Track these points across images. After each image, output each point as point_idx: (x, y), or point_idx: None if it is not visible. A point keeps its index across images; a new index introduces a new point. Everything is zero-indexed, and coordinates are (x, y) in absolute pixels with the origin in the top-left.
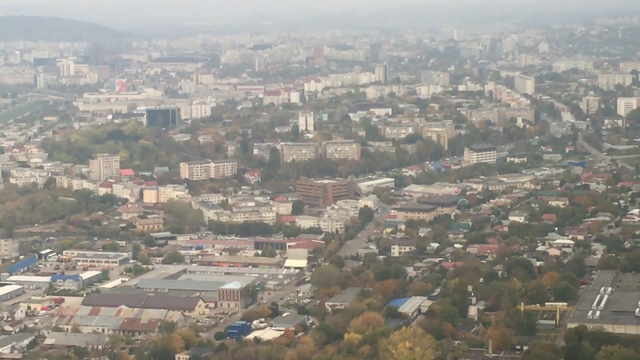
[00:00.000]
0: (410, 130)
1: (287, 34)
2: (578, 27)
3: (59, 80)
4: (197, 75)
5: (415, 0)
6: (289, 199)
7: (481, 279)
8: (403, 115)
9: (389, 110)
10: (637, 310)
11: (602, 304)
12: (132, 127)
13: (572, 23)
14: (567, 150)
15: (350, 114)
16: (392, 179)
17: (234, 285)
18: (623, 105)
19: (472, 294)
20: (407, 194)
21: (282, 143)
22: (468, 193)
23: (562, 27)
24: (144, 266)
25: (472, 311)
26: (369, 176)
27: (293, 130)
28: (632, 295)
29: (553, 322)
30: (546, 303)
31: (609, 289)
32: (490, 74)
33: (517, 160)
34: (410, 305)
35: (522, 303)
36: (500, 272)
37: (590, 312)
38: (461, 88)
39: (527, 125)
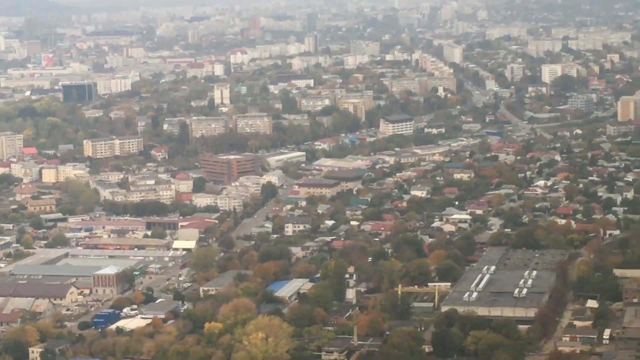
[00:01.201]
0: (327, 102)
1: (230, 5)
2: None
3: None
4: (127, 49)
5: None
6: (193, 175)
7: (370, 258)
8: (324, 86)
9: (311, 82)
10: (517, 290)
11: (481, 285)
12: (45, 104)
13: None
14: (487, 119)
15: (271, 86)
16: (304, 153)
17: (110, 270)
18: (548, 73)
19: (353, 276)
20: (316, 168)
21: (193, 118)
22: (378, 166)
23: None
24: (26, 251)
25: (350, 294)
26: (281, 150)
27: (209, 104)
28: (515, 274)
29: (431, 305)
30: (429, 284)
31: (492, 267)
32: (422, 42)
33: (434, 131)
34: (288, 289)
35: (399, 285)
36: (390, 251)
37: (467, 293)
38: (389, 57)
39: (449, 95)
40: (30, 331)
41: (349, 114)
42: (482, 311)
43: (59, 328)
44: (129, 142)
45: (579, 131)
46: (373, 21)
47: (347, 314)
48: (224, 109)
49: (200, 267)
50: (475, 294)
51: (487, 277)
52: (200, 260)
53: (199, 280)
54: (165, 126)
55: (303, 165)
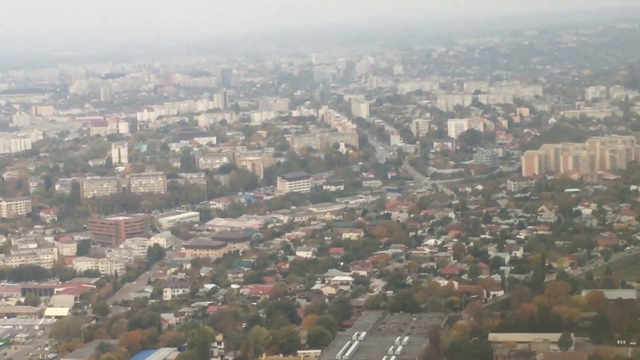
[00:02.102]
0: (225, 160)
1: (149, 61)
2: (439, 47)
3: None
4: (36, 107)
5: (289, 25)
6: (81, 238)
7: (244, 324)
8: (225, 143)
9: (214, 139)
10: (384, 358)
11: (348, 353)
12: None
13: (435, 44)
14: (389, 176)
15: (173, 144)
16: (197, 213)
17: None
18: (454, 127)
19: (221, 344)
20: (209, 228)
21: (85, 178)
22: (270, 226)
23: (423, 47)
24: None
25: None
26: (176, 210)
27: (107, 163)
28: (387, 340)
29: None
30: (299, 352)
31: (364, 333)
32: (332, 97)
33: (333, 188)
34: None
35: (264, 354)
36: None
37: None
38: (295, 114)
39: (351, 151)
40: None
41: (246, 172)
42: None
43: None
44: (17, 203)
45: (480, 187)
46: (288, 77)
47: None
48: (121, 168)
49: (64, 336)
50: None
51: (356, 344)
52: (63, 329)
53: (61, 351)
54: (57, 186)
55: (196, 225)
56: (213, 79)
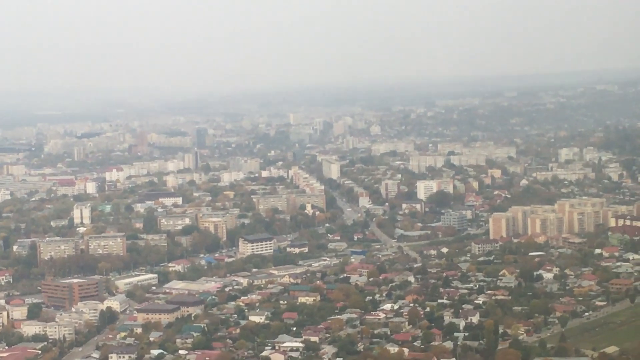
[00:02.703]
0: (187, 221)
1: (133, 121)
2: (418, 108)
3: None
4: (8, 167)
5: (271, 85)
6: (33, 301)
7: None
8: (191, 204)
9: (179, 200)
10: None
11: None
12: None
13: (414, 105)
14: (355, 237)
15: (139, 205)
16: (156, 276)
17: None
18: (423, 189)
19: None
20: (166, 291)
21: (44, 239)
22: (228, 289)
23: (402, 108)
24: None
25: None
26: (135, 272)
27: (69, 223)
28: None
29: None
30: None
31: None
32: (305, 158)
33: (297, 250)
34: None
35: None
36: None
37: None
38: (265, 174)
39: (317, 212)
40: None
41: (209, 234)
42: None
43: None
44: None
45: (445, 250)
46: (265, 137)
47: None
48: (83, 229)
49: None
50: None
51: None
52: None
53: None
54: (15, 248)
55: (154, 288)
56: (188, 139)
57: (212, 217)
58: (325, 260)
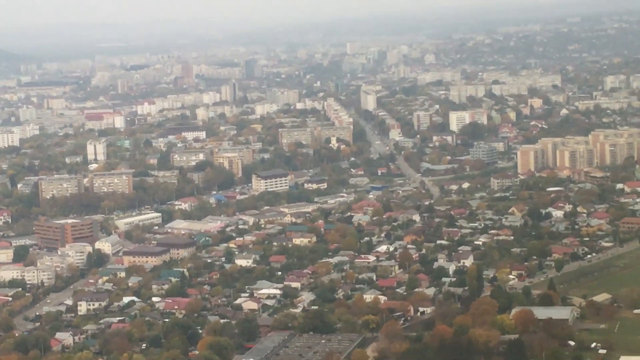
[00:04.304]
0: (201, 156)
1: (192, 52)
2: (478, 36)
3: None
4: (48, 101)
5: (339, 14)
6: (27, 242)
7: (144, 345)
8: (212, 138)
9: (203, 134)
10: None
11: None
12: None
13: (475, 32)
14: (379, 172)
15: (160, 139)
16: (159, 215)
17: None
18: (455, 120)
19: None
20: (169, 231)
21: (51, 177)
22: (229, 229)
23: (463, 36)
24: None
25: None
26: (140, 211)
27: (83, 160)
28: None
29: None
30: None
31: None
32: (349, 88)
33: (314, 186)
34: None
35: None
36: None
37: None
38: (300, 106)
39: (343, 146)
40: None
41: (223, 170)
42: None
43: None
44: None
45: (465, 185)
46: (318, 67)
47: None
48: (94, 166)
49: None
50: None
51: None
52: None
53: None
54: (19, 186)
55: (156, 227)
56: (237, 70)
57: (228, 152)
58: (343, 196)
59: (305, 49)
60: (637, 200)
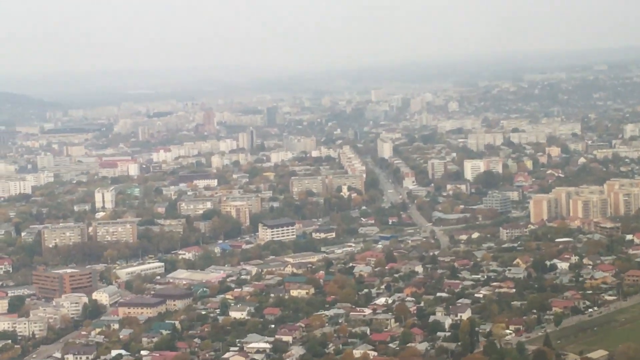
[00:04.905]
0: (209, 205)
1: (218, 99)
2: (503, 83)
3: None
4: (67, 148)
5: (366, 62)
6: (26, 292)
7: None
8: (223, 186)
9: (215, 182)
10: None
11: None
12: None
13: (501, 80)
14: (390, 221)
15: (171, 187)
16: (162, 264)
17: None
18: (470, 169)
19: None
20: (170, 281)
21: (54, 225)
22: (230, 279)
23: (488, 84)
24: None
25: None
26: (143, 260)
27: (91, 208)
28: None
29: None
30: None
31: None
32: (369, 136)
33: (322, 235)
34: None
35: None
36: None
37: None
38: (315, 154)
39: (354, 195)
40: None
41: (230, 219)
42: None
43: None
44: None
45: (475, 235)
46: (341, 114)
47: None
48: (101, 214)
49: None
50: None
51: None
52: None
53: None
54: (23, 234)
55: (158, 277)
56: (259, 117)
57: (236, 200)
58: (350, 246)
59: (330, 97)
60: None
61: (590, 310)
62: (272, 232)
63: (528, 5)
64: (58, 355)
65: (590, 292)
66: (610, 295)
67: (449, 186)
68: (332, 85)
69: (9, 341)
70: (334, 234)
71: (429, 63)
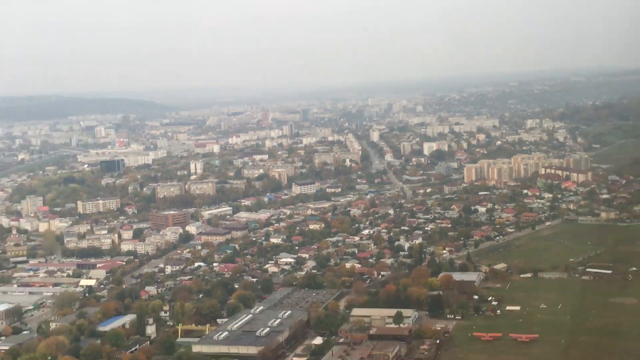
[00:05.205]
0: (261, 171)
1: (272, 104)
2: (452, 94)
3: (90, 140)
4: (176, 135)
5: (369, 79)
6: (143, 226)
7: (200, 295)
8: (271, 159)
9: (266, 156)
10: (259, 330)
11: (238, 324)
12: (81, 174)
13: (450, 92)
14: (376, 181)
15: (239, 159)
16: (230, 208)
17: (1, 306)
18: (427, 148)
19: (167, 313)
20: (235, 219)
21: (162, 184)
22: (272, 217)
23: (442, 94)
24: None
25: (149, 330)
26: (221, 205)
27: (187, 173)
28: (274, 314)
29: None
30: (220, 320)
31: (260, 307)
32: (364, 127)
33: (332, 190)
34: (112, 324)
35: (180, 323)
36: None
37: (219, 333)
38: (330, 138)
39: (353, 164)
40: None
41: (274, 180)
42: (223, 349)
43: None
44: (109, 202)
45: (428, 190)
46: (348, 114)
47: (133, 349)
48: (193, 177)
49: (59, 305)
50: (225, 334)
51: (249, 317)
52: (59, 300)
53: (57, 315)
54: (144, 189)
55: (228, 217)
56: (297, 115)
57: (279, 168)
58: (349, 197)
59: (342, 102)
60: (535, 201)
61: (497, 238)
62: (300, 188)
63: (471, 37)
64: (161, 265)
65: (498, 226)
66: (511, 228)
67: (413, 159)
68: (344, 95)
69: (132, 257)
70: (339, 189)
71: (405, 81)
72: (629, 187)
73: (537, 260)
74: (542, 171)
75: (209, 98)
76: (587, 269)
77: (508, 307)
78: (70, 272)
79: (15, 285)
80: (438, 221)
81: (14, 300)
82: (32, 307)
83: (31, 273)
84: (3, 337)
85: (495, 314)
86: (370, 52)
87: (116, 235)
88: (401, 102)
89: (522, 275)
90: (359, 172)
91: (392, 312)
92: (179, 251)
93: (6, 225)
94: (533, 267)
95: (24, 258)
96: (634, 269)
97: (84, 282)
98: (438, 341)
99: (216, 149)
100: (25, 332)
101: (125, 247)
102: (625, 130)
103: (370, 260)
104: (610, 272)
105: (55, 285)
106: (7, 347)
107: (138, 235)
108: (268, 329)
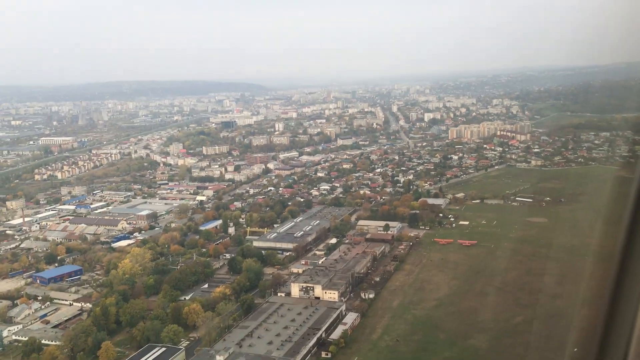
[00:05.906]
0: (318, 129)
1: (338, 87)
2: (449, 82)
3: (219, 108)
4: (272, 106)
5: (396, 73)
6: (241, 163)
7: (267, 208)
8: (326, 122)
9: (324, 120)
10: (296, 233)
11: (284, 229)
12: (208, 130)
13: (448, 80)
14: (392, 137)
15: (305, 122)
16: (297, 153)
17: (144, 211)
18: (427, 117)
19: (243, 221)
20: (299, 160)
21: (254, 136)
22: (323, 159)
23: (443, 82)
24: (133, 199)
25: (230, 230)
26: (292, 152)
27: (273, 130)
28: (307, 222)
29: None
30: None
31: (300, 218)
32: (390, 103)
33: (362, 143)
34: (208, 226)
35: (248, 227)
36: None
37: (271, 234)
38: (367, 109)
39: (378, 126)
40: (60, 248)
41: (326, 135)
42: (271, 244)
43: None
44: (222, 147)
45: (424, 143)
46: (381, 94)
47: (218, 242)
48: (277, 132)
49: (180, 212)
50: (274, 234)
51: (292, 224)
52: (180, 208)
53: (176, 219)
54: (246, 140)
55: (295, 158)
56: (349, 95)
57: (331, 127)
58: (373, 148)
59: (379, 87)
60: (490, 152)
61: (462, 176)
62: (343, 141)
63: (465, 43)
64: (248, 189)
65: (464, 168)
66: (471, 170)
67: (417, 124)
68: (380, 82)
69: (231, 182)
70: (367, 142)
71: (417, 74)
72: (553, 145)
73: (485, 191)
74: (498, 133)
75: (296, 84)
76: (517, 198)
77: (460, 222)
78: (191, 191)
79: (157, 198)
80: (425, 164)
81: (154, 208)
82: (164, 213)
83: (168, 191)
84: (143, 231)
85: (452, 226)
86: (399, 51)
87: (223, 168)
88: (415, 87)
89: (473, 201)
90: (381, 132)
91: (383, 223)
92: (260, 180)
93: (159, 161)
94: (481, 196)
95: (165, 181)
96: (548, 198)
97: (199, 198)
98: (411, 244)
99: (294, 115)
100: (157, 228)
101: (228, 176)
102: (557, 107)
103: (377, 189)
104: (531, 200)
105: (181, 199)
106: (143, 237)
107: (237, 169)
108: (302, 232)
